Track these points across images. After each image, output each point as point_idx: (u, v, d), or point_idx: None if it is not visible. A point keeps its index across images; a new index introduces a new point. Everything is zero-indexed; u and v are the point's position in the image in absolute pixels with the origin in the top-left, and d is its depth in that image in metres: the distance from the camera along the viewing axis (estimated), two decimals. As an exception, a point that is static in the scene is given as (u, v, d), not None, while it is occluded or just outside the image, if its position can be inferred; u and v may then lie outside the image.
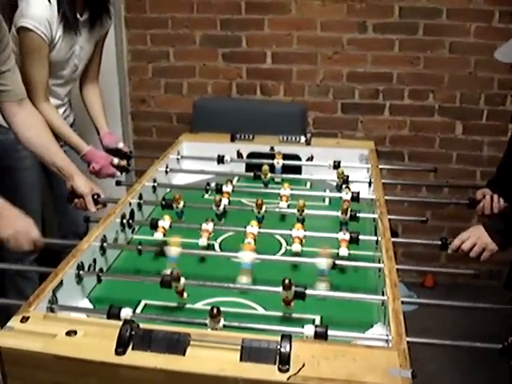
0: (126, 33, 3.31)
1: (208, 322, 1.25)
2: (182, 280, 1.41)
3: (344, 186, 2.08)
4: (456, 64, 3.10)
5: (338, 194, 2.06)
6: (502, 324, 1.38)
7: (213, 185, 2.09)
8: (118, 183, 2.35)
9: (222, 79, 3.32)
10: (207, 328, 1.25)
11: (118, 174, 2.34)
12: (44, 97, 2.22)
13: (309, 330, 1.23)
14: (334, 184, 2.21)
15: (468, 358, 1.22)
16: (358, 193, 2.01)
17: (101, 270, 1.58)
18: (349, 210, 1.82)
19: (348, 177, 2.18)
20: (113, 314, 1.30)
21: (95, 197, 1.97)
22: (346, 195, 1.99)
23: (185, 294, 1.45)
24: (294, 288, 1.37)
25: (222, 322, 1.26)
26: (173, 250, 1.54)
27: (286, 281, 1.36)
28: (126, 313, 1.30)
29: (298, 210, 1.83)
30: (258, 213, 1.83)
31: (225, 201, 1.93)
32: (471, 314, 1.56)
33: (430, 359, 1.38)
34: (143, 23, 3.28)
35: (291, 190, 2.05)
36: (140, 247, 1.70)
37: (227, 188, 2.05)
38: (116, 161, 2.35)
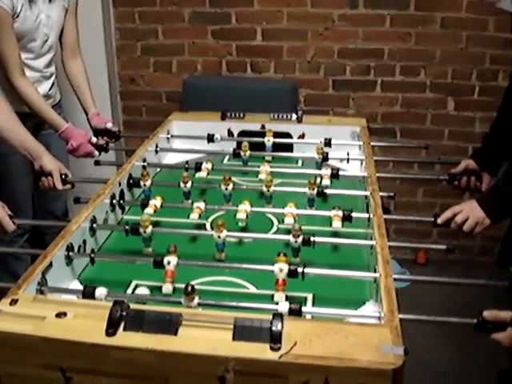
0: (113, 11, 3.24)
1: (182, 299, 1.25)
2: (175, 259, 1.40)
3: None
4: (448, 39, 3.07)
5: (317, 171, 2.04)
6: (494, 300, 1.38)
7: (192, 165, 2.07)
8: (97, 163, 2.29)
9: (211, 57, 3.28)
10: (183, 306, 1.24)
11: (96, 153, 2.31)
12: (19, 71, 2.17)
13: (283, 306, 1.24)
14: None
15: (461, 334, 1.22)
16: (338, 169, 2.02)
17: (92, 250, 1.57)
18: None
19: (327, 153, 2.15)
20: (87, 294, 1.29)
21: (63, 176, 1.96)
22: (325, 171, 1.99)
23: (170, 286, 1.41)
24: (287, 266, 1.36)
25: (197, 299, 1.25)
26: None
27: (281, 254, 1.37)
28: (100, 292, 1.29)
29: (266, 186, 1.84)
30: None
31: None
32: (463, 290, 1.57)
33: (423, 336, 1.38)
34: (131, 1, 3.22)
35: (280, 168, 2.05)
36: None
37: (207, 165, 2.05)
38: (94, 139, 2.32)
